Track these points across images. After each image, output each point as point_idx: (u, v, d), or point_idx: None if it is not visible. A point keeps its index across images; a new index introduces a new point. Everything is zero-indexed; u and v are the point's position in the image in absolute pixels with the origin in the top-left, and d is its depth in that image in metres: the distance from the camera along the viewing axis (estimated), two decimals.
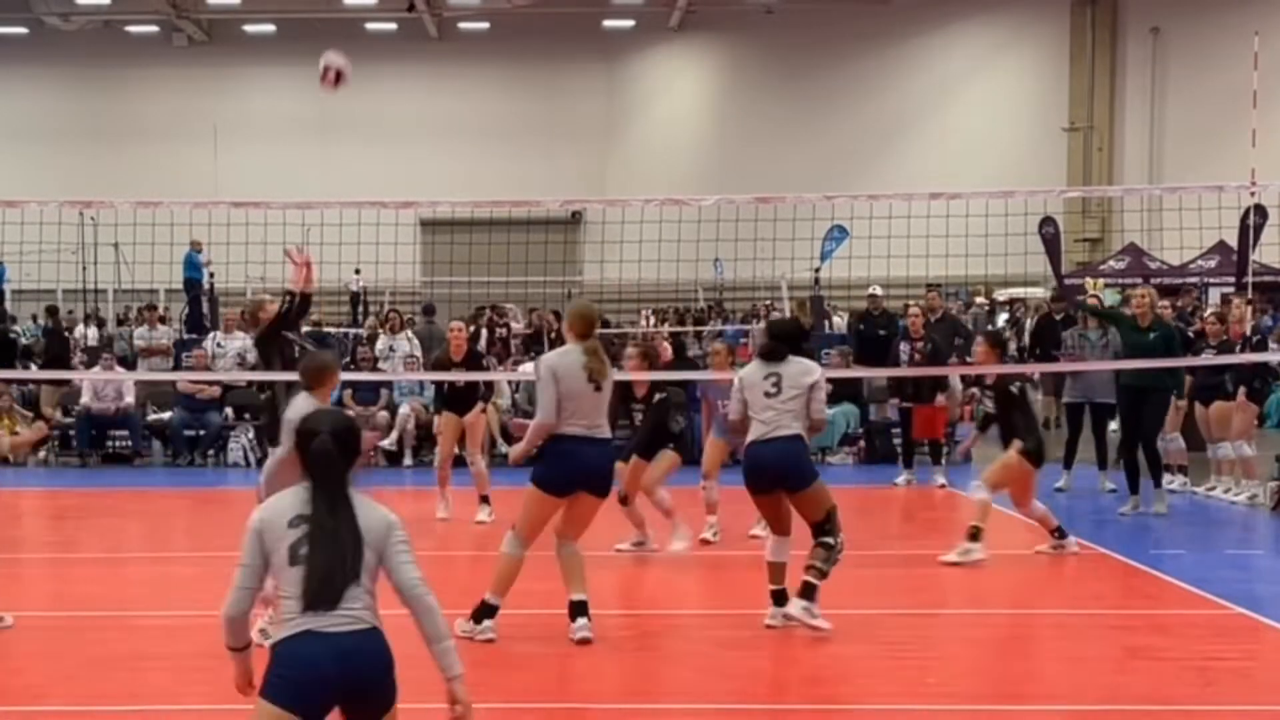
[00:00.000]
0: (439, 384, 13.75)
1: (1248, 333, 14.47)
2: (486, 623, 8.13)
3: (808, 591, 8.17)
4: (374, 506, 4.43)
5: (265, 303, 11.17)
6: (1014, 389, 11.06)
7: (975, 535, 10.48)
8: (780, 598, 8.38)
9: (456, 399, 13.04)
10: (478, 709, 7.26)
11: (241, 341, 18.91)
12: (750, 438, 8.39)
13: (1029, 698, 7.14)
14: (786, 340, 8.56)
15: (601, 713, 7.09)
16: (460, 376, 12.97)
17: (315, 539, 4.27)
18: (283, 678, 4.23)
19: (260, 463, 17.46)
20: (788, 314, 28.13)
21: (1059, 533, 11.04)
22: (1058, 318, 19.73)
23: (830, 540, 8.22)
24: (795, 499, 8.27)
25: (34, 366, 20.00)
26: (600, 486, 8.13)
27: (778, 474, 8.25)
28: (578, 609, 8.10)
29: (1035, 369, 23.94)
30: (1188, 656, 8.03)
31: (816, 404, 8.38)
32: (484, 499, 12.79)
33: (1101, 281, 27.61)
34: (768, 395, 8.31)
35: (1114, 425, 14.93)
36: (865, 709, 7.05)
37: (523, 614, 9.06)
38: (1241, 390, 13.77)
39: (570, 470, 8.03)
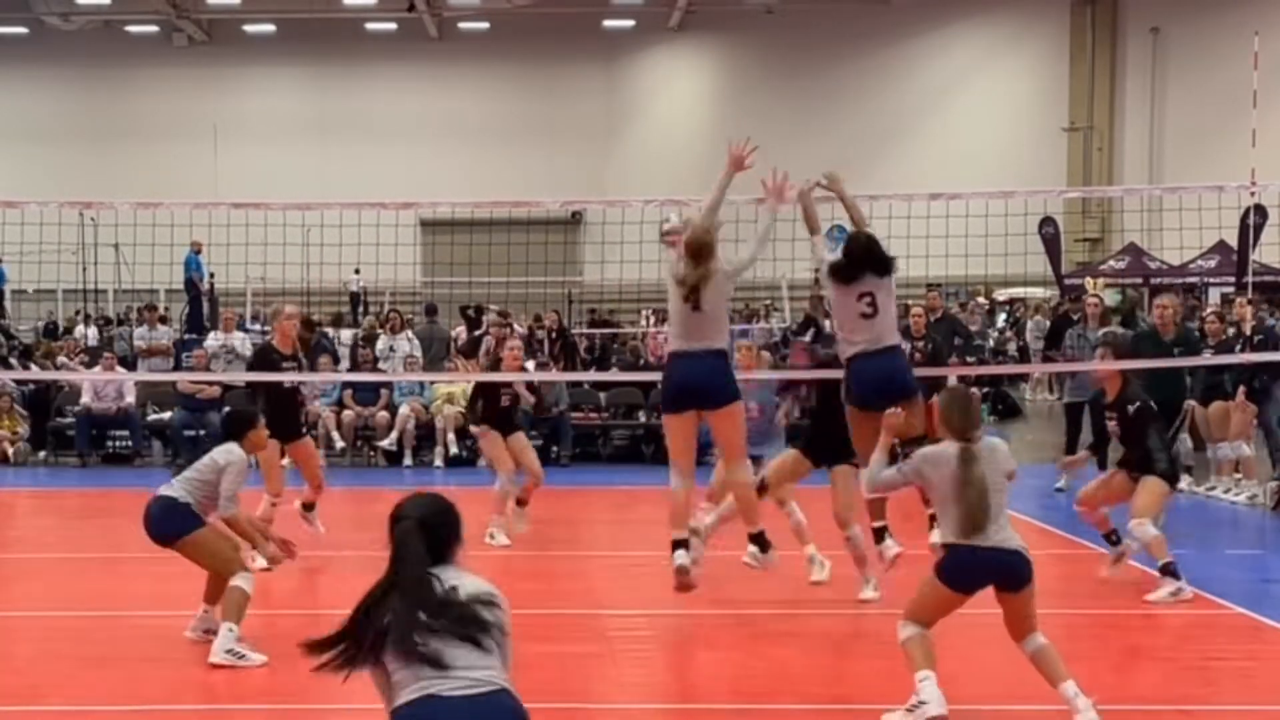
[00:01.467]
0: (482, 397, 12.18)
1: (1247, 332, 14.47)
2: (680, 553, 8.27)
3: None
4: (478, 579, 4.31)
5: (283, 312, 11.22)
6: (1132, 409, 9.78)
7: (1169, 571, 9.58)
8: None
9: (500, 418, 11.92)
10: None
11: (241, 340, 18.93)
12: (853, 351, 8.53)
13: (1029, 698, 7.14)
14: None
15: (602, 713, 7.10)
16: (468, 377, 12.75)
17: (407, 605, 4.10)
18: None
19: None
20: (787, 314, 28.17)
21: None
22: (1075, 317, 19.67)
23: None
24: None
25: (34, 367, 19.99)
26: (704, 399, 8.16)
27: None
28: (754, 540, 8.48)
29: (1034, 369, 23.92)
30: (1188, 656, 8.03)
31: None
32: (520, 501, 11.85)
33: (1102, 281, 27.67)
34: (864, 316, 8.50)
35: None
36: (865, 709, 7.04)
37: (523, 614, 9.07)
38: (1240, 390, 13.75)
39: (671, 386, 8.34)
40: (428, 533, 4.24)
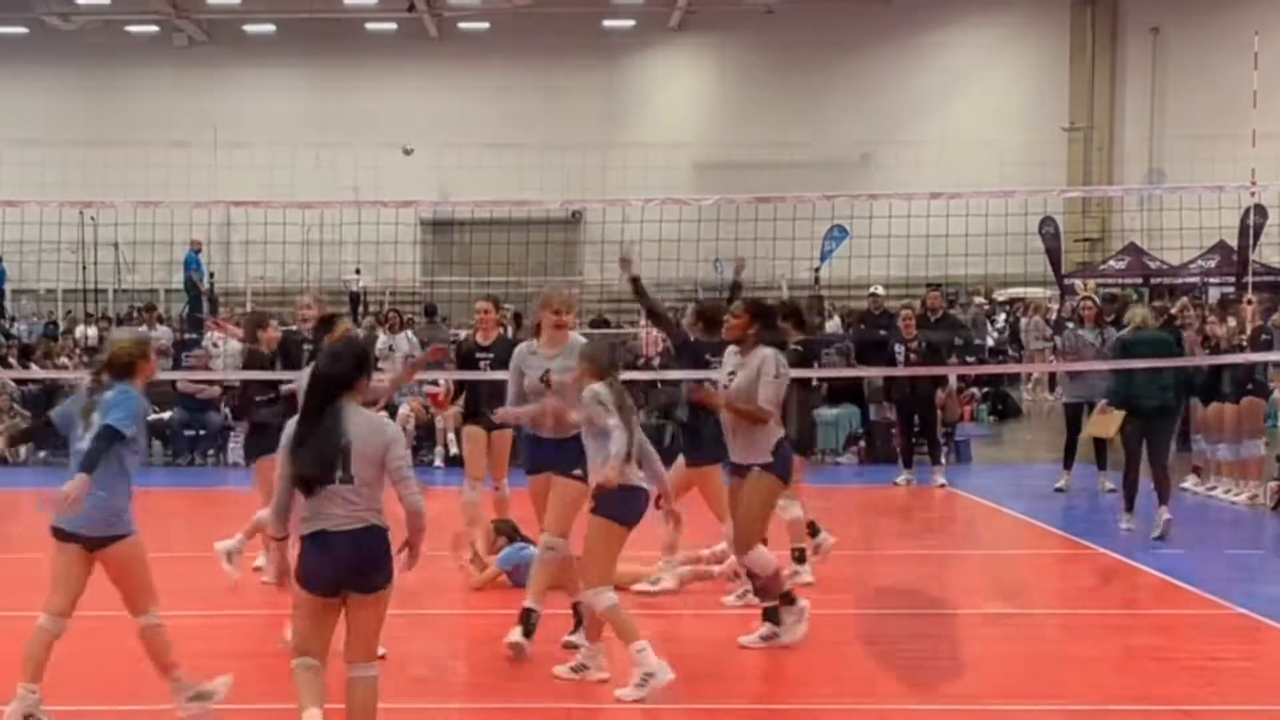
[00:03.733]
0: (463, 385, 11.51)
1: (1248, 331, 14.46)
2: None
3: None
4: (374, 419, 5.71)
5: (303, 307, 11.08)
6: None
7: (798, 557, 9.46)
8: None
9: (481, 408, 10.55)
10: (480, 709, 7.29)
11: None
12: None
13: (1029, 698, 7.14)
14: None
15: (602, 713, 7.09)
16: (458, 375, 12.04)
17: (303, 440, 5.55)
18: (306, 566, 5.62)
19: None
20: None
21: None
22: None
23: None
24: None
25: (34, 366, 19.99)
26: None
27: None
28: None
29: (1033, 369, 23.93)
30: (1188, 656, 8.03)
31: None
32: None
33: (1094, 283, 27.64)
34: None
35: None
36: (866, 709, 7.04)
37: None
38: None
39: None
40: (332, 368, 5.63)
